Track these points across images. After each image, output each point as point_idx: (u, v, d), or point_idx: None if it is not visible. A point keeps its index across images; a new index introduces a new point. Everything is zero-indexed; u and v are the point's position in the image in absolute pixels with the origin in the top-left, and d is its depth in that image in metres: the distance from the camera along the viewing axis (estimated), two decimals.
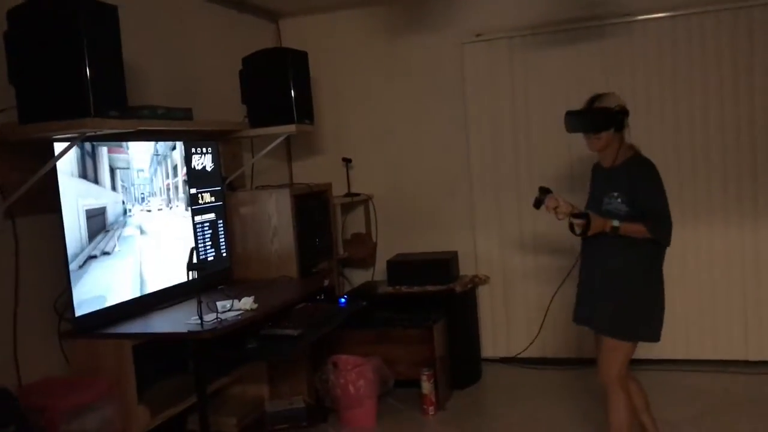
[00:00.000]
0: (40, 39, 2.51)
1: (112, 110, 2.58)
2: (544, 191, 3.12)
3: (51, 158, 2.69)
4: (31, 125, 2.53)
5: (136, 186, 3.28)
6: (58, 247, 2.79)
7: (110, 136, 2.93)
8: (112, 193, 3.11)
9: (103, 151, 3.05)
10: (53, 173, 2.73)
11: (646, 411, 3.19)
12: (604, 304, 3.01)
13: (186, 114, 3.52)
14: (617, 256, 2.98)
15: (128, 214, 3.21)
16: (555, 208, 3.00)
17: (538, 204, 3.10)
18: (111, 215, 3.08)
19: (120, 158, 3.18)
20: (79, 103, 2.47)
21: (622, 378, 2.99)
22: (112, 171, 3.12)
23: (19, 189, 2.69)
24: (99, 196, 3.02)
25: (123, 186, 3.18)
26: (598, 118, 2.98)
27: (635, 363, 3.18)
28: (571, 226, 3.06)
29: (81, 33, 2.46)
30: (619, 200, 2.95)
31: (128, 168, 3.23)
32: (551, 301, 3.54)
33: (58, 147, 2.70)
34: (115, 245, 3.09)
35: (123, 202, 3.18)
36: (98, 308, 2.93)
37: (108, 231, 3.05)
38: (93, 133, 2.63)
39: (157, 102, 3.40)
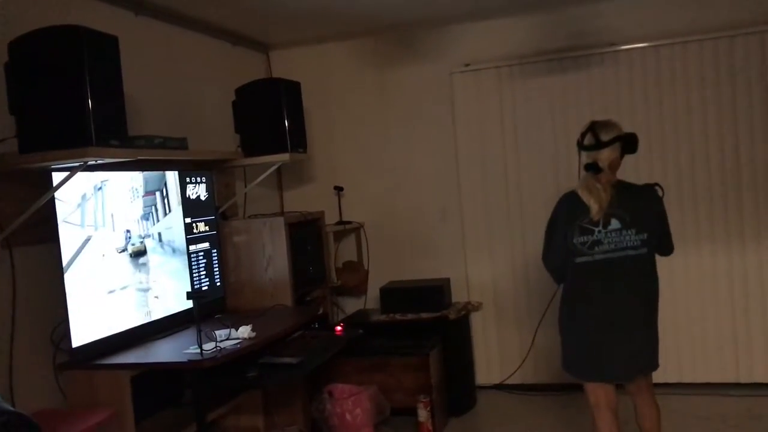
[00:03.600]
0: (41, 69, 2.53)
1: (112, 139, 2.60)
2: None
3: (50, 188, 2.69)
4: (33, 154, 2.54)
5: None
6: (56, 278, 2.77)
7: (107, 166, 2.93)
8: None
9: None
10: (51, 203, 2.73)
11: None
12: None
13: (181, 143, 3.53)
14: None
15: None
16: None
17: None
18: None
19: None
20: (80, 132, 2.48)
21: (596, 407, 3.04)
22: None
23: (17, 219, 2.68)
24: None
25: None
26: None
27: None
28: None
29: (83, 63, 2.49)
30: None
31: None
32: (537, 327, 3.55)
33: (57, 177, 2.70)
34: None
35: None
36: (95, 339, 2.90)
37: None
38: (94, 162, 2.64)
39: (151, 131, 3.42)
